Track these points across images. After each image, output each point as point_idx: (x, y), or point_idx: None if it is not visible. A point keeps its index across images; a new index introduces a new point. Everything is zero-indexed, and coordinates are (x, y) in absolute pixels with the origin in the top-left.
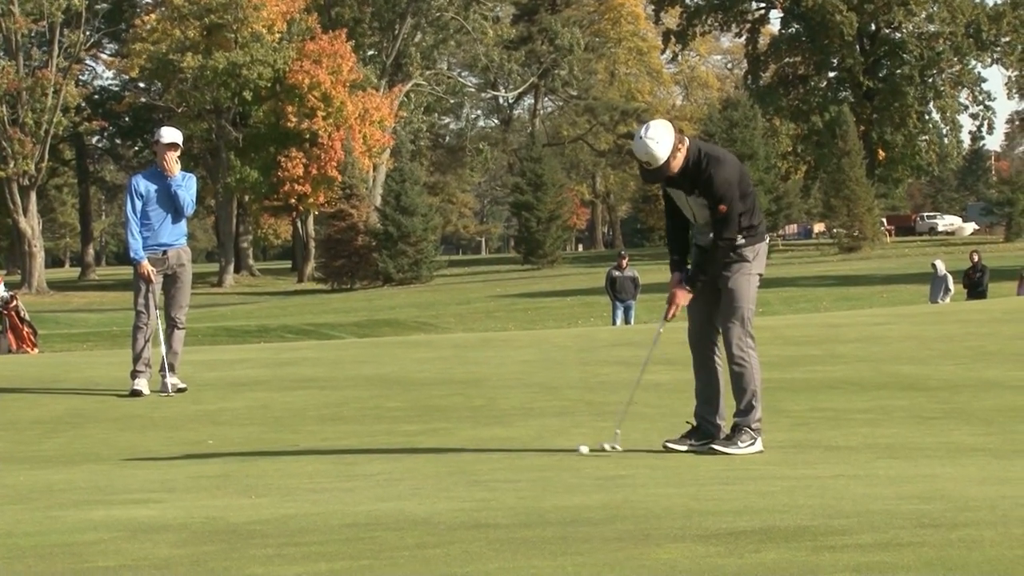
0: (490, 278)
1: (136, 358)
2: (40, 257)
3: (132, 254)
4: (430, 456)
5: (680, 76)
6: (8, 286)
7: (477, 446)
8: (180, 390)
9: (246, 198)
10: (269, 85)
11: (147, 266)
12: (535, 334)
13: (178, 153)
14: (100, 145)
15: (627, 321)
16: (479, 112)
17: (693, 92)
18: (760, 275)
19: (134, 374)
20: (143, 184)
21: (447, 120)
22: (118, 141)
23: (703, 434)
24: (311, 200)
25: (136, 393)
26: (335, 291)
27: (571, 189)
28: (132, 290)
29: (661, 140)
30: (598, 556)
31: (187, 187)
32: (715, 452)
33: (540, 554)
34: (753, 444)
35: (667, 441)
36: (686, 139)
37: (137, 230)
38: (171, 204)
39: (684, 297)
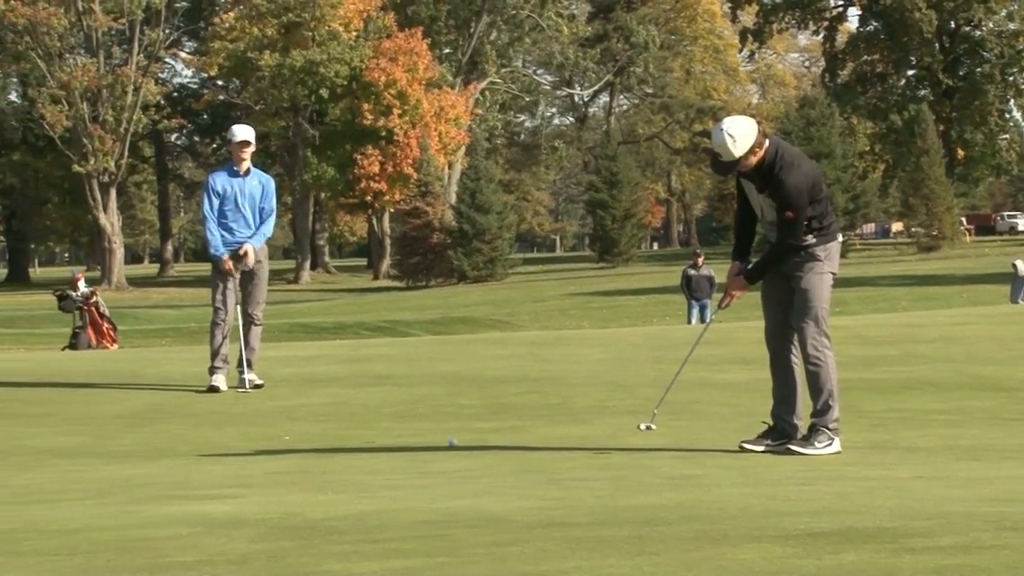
0: (565, 276)
1: (214, 354)
2: (120, 253)
3: (212, 250)
4: (505, 454)
5: (757, 74)
6: (88, 282)
7: (552, 444)
8: (257, 386)
9: (322, 195)
10: (346, 83)
11: (229, 261)
12: (610, 332)
13: (251, 150)
14: (179, 142)
15: (703, 320)
16: (554, 110)
17: (770, 90)
18: (833, 274)
19: (212, 370)
20: (219, 182)
21: (522, 118)
22: (196, 138)
23: (780, 434)
24: (387, 197)
25: (214, 389)
26: (410, 288)
27: (646, 187)
28: (210, 286)
29: (739, 139)
30: (674, 556)
31: (267, 191)
32: (792, 452)
33: (616, 553)
34: (830, 445)
35: (744, 441)
36: (767, 141)
37: (215, 226)
38: (247, 201)
39: (740, 289)
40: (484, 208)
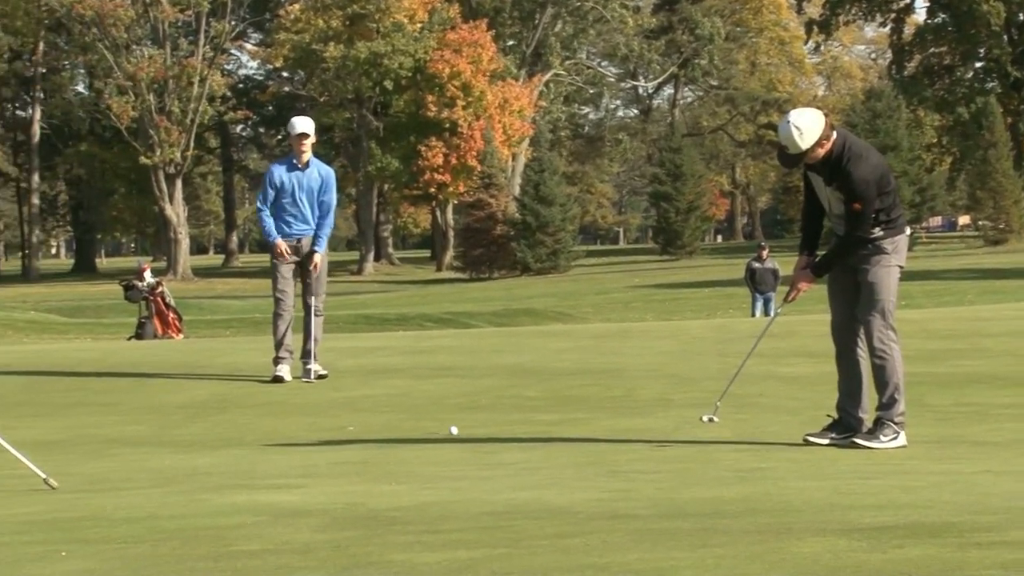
0: (628, 268)
1: (277, 344)
2: (185, 244)
3: (266, 236)
4: (568, 446)
5: (823, 66)
6: (154, 272)
7: (615, 436)
8: (320, 376)
9: (386, 187)
10: (410, 74)
11: (282, 244)
12: (673, 325)
13: (311, 142)
14: (244, 134)
15: (767, 313)
16: (618, 102)
17: (836, 82)
18: (900, 267)
19: (276, 360)
20: (278, 174)
21: (586, 110)
22: (261, 130)
23: (845, 427)
24: (451, 189)
25: (278, 379)
26: (473, 280)
27: (710, 180)
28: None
29: (806, 132)
30: (738, 549)
31: (327, 184)
32: (857, 446)
33: (679, 546)
34: (896, 438)
35: (808, 434)
36: (835, 133)
37: (268, 213)
38: (304, 195)
39: (807, 282)
40: (547, 200)
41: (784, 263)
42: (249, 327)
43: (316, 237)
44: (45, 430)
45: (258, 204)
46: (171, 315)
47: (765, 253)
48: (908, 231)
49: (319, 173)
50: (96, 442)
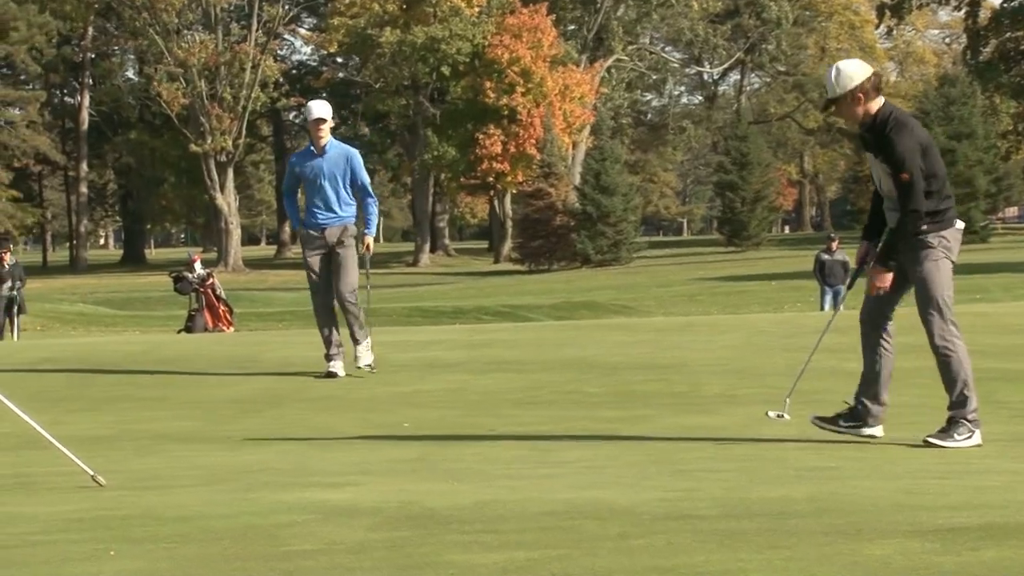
0: (692, 260)
1: (325, 341)
2: (236, 234)
3: (292, 226)
4: (631, 443)
5: (895, 51)
6: (205, 264)
7: (680, 434)
8: (368, 366)
9: (443, 176)
10: (468, 60)
11: (304, 233)
12: (739, 318)
13: (328, 127)
14: (297, 121)
15: (836, 307)
16: (682, 88)
17: (908, 68)
18: (951, 261)
19: (328, 357)
20: (297, 165)
21: (649, 97)
22: None
23: (852, 416)
24: (509, 178)
25: (331, 375)
26: (532, 272)
27: (778, 169)
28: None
29: (843, 76)
30: (807, 551)
31: (353, 164)
32: (930, 445)
33: (747, 547)
34: (971, 437)
35: (816, 417)
36: (881, 98)
37: (290, 201)
38: (326, 180)
39: (880, 276)
40: (609, 190)
41: (854, 255)
42: (302, 320)
43: (366, 221)
44: (92, 425)
45: (283, 192)
46: (222, 308)
47: (835, 245)
48: (960, 225)
49: (339, 154)
50: (145, 438)
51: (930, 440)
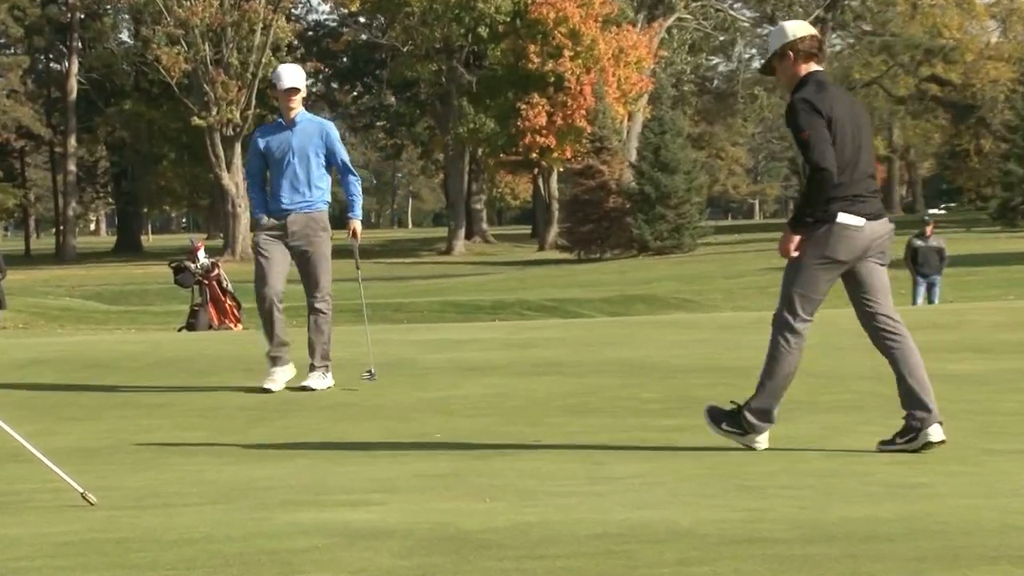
0: (765, 247)
1: (270, 339)
2: (245, 219)
3: (254, 214)
4: (692, 456)
5: (997, 8)
6: (209, 252)
7: (748, 445)
8: (308, 389)
9: (480, 152)
10: (508, 20)
11: (265, 221)
12: (818, 314)
13: (300, 97)
14: (314, 89)
15: (930, 300)
16: (753, 51)
17: (1012, 27)
18: (835, 260)
19: (272, 360)
20: (262, 139)
21: (716, 60)
22: (335, 85)
23: (905, 430)
24: (555, 154)
25: (264, 391)
26: (582, 261)
27: None
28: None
29: (779, 30)
30: None
31: (328, 138)
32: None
33: (826, 575)
34: (743, 436)
35: (881, 443)
36: (814, 65)
37: (254, 184)
38: (296, 157)
39: (786, 242)
40: (670, 167)
41: (953, 242)
42: None
43: (350, 203)
44: (83, 436)
45: (246, 174)
46: (228, 302)
47: (929, 229)
48: (855, 221)
49: (311, 129)
50: (143, 450)
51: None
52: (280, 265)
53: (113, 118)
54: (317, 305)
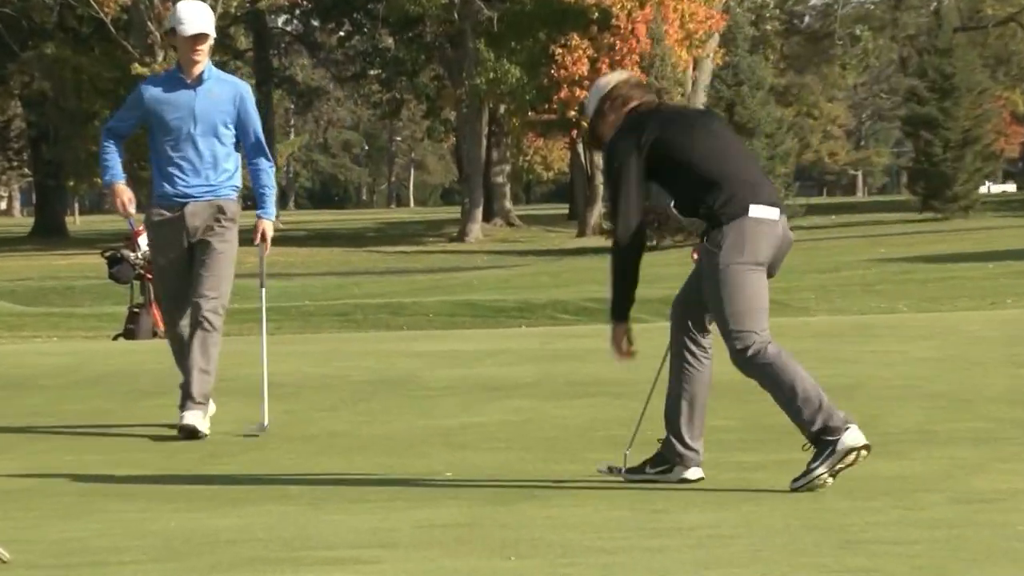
0: (869, 232)
1: (180, 361)
2: None
3: (104, 179)
4: (776, 500)
5: None
6: None
7: (849, 487)
8: (195, 432)
9: (502, 109)
10: None
11: (122, 192)
12: (939, 318)
13: (208, 45)
14: (289, 29)
15: None
16: None
17: None
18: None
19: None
20: (150, 95)
21: None
22: (315, 22)
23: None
24: None
25: (189, 432)
26: None
27: (997, 97)
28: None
29: (591, 92)
30: None
31: (242, 105)
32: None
33: None
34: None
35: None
36: (631, 104)
37: (114, 146)
38: (199, 127)
39: (618, 336)
40: (747, 128)
41: None
42: (296, 320)
43: (259, 196)
44: None
45: (108, 126)
46: None
47: None
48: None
49: (225, 91)
50: (71, 492)
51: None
52: (187, 276)
53: (31, 65)
54: (206, 314)
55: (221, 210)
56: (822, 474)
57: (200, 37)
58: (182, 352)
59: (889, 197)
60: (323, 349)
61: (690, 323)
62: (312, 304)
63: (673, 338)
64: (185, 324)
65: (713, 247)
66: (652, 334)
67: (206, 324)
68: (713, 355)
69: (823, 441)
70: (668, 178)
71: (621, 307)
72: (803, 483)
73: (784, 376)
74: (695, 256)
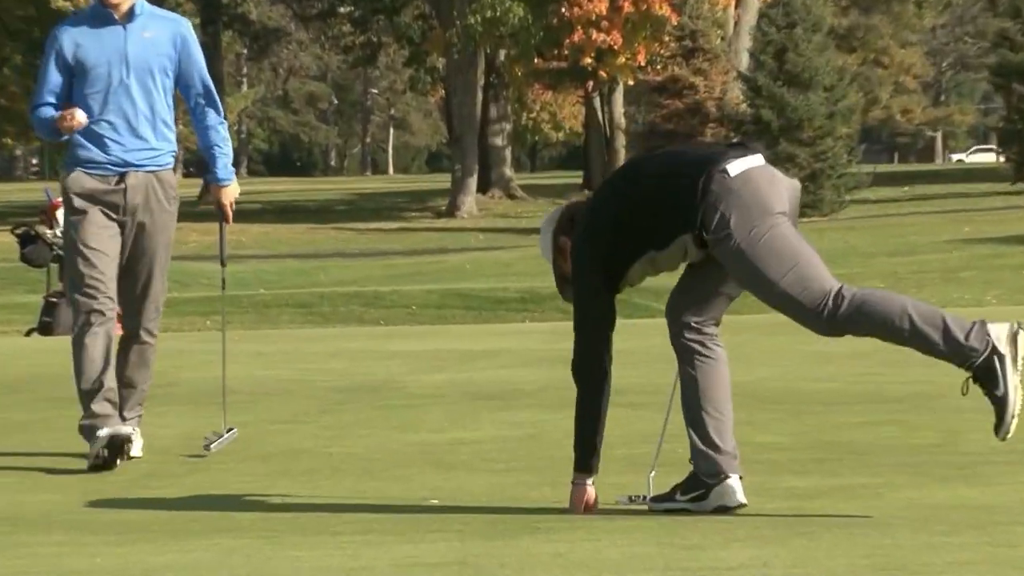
0: (951, 206)
1: (89, 392)
2: None
3: (36, 116)
4: (836, 533)
5: None
6: None
7: (924, 519)
8: (118, 453)
9: (503, 56)
10: None
11: (77, 117)
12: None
13: None
14: None
15: None
16: None
17: None
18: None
19: (88, 422)
20: (70, 38)
21: None
22: None
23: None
24: (622, 59)
25: (100, 464)
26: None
27: None
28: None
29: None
30: None
31: (184, 45)
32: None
33: None
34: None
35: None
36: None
37: (48, 105)
38: (132, 73)
39: (578, 494)
40: (801, 80)
41: None
42: (249, 313)
43: (211, 157)
44: None
45: (33, 99)
46: None
47: None
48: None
49: (162, 29)
50: None
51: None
52: (115, 262)
53: None
54: (149, 324)
55: (162, 183)
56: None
57: None
58: (101, 359)
59: (975, 164)
60: (282, 348)
61: (690, 314)
62: (268, 293)
63: (675, 338)
64: (104, 327)
65: (718, 234)
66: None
67: (147, 336)
68: (728, 355)
69: (985, 360)
70: (633, 229)
71: (581, 453)
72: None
73: (890, 305)
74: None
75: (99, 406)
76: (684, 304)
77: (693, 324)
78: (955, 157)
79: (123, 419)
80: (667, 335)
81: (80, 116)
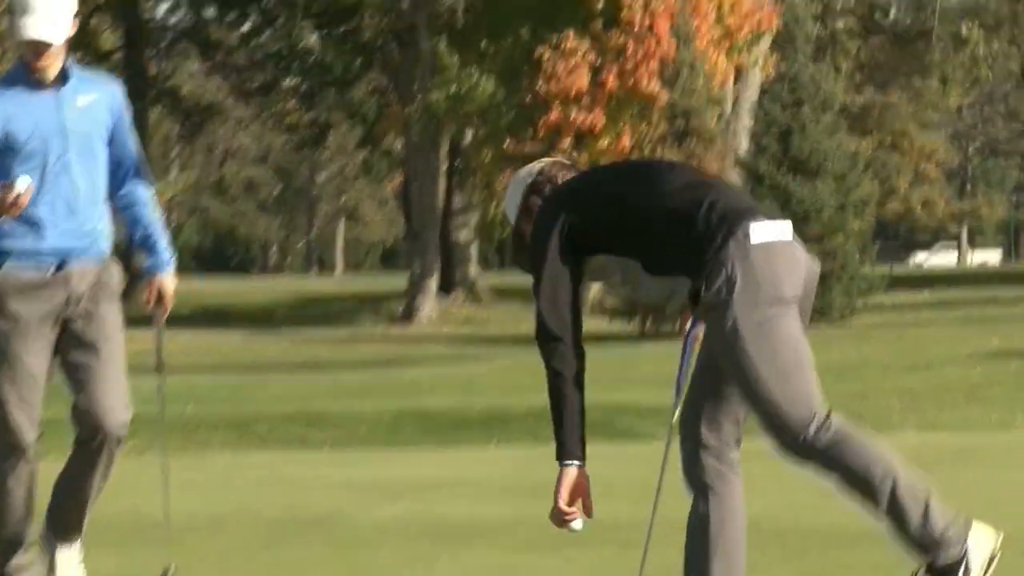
0: (976, 314)
1: (9, 544)
2: None
3: None
4: None
5: None
6: None
7: None
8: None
9: (468, 136)
10: None
11: (18, 188)
12: None
13: (55, 53)
14: (173, 22)
15: None
16: None
17: None
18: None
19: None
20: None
21: None
22: (210, 13)
23: None
24: (604, 141)
25: None
26: (648, 336)
27: None
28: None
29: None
30: None
31: (114, 113)
32: None
33: None
34: None
35: None
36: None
37: None
38: (68, 156)
39: (563, 487)
40: (808, 167)
41: None
42: (174, 433)
43: (146, 240)
44: None
45: None
46: None
47: None
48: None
49: (99, 97)
50: None
51: None
52: (42, 381)
53: None
54: (118, 430)
55: (108, 274)
56: None
57: (40, 46)
58: (23, 507)
59: (1005, 268)
60: (211, 475)
61: (708, 431)
62: (197, 411)
63: (686, 460)
64: (28, 468)
65: (716, 299)
66: (671, 455)
67: (113, 444)
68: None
69: (951, 565)
70: (626, 233)
71: (561, 440)
72: None
73: (875, 457)
74: (687, 330)
75: (19, 558)
76: (699, 419)
77: (711, 448)
78: (976, 259)
79: (60, 540)
80: (654, 461)
81: (20, 185)
